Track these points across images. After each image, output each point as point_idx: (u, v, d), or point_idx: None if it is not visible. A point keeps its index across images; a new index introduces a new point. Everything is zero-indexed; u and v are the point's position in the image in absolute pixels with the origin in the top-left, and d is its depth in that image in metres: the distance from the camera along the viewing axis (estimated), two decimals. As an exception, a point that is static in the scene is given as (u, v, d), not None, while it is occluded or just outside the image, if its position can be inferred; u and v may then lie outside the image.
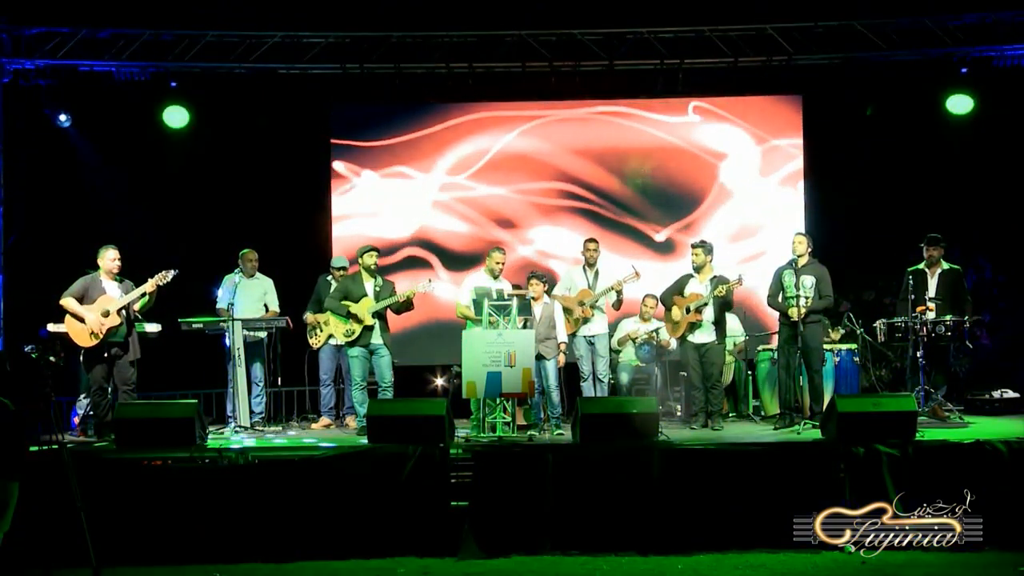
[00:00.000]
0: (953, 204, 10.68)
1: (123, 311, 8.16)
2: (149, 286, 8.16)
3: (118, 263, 8.30)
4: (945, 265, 9.09)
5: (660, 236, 11.36)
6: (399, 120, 11.30)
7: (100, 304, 8.11)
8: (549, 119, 11.35)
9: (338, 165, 11.34)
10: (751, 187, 11.32)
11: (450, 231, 11.33)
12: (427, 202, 11.35)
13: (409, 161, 11.33)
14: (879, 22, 10.03)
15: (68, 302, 8.11)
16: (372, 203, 11.35)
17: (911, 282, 8.86)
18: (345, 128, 11.35)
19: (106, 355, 8.18)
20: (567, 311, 9.01)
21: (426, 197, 11.35)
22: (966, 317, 8.82)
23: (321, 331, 9.43)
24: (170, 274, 8.20)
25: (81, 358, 8.33)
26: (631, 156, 11.32)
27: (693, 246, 9.01)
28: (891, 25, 10.03)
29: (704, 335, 8.83)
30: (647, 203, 11.36)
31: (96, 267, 8.33)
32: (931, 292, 8.96)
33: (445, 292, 10.82)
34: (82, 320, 8.06)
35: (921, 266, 9.11)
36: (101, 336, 8.08)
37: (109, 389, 8.27)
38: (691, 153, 11.31)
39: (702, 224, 11.30)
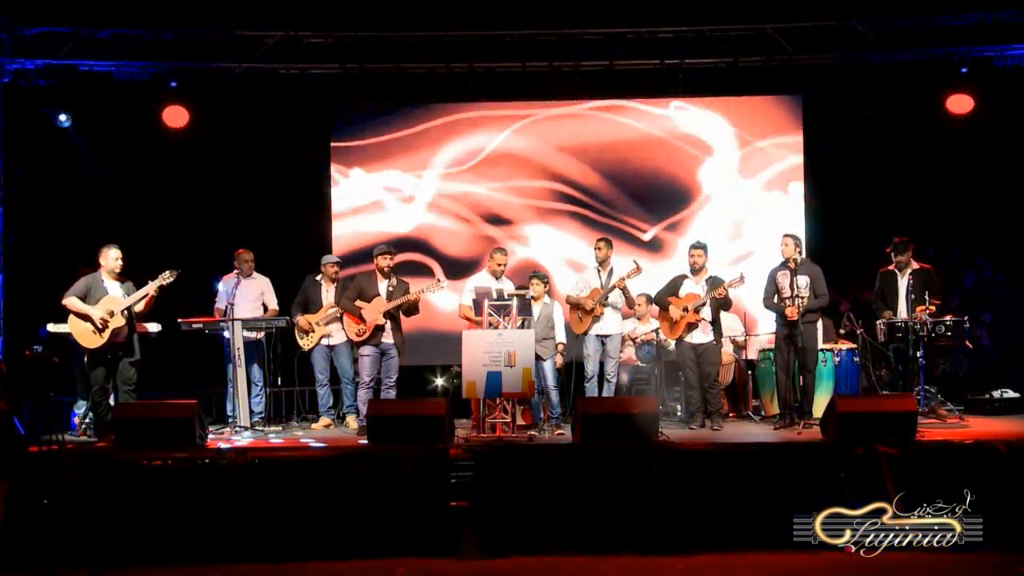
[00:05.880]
0: (953, 204, 10.68)
1: (126, 312, 8.15)
2: (152, 288, 8.15)
3: (120, 263, 8.28)
4: (915, 265, 9.12)
5: (647, 235, 11.28)
6: (399, 120, 11.28)
7: (104, 304, 8.09)
8: (539, 116, 11.31)
9: (337, 165, 11.32)
10: (748, 186, 11.29)
11: (448, 230, 11.32)
12: (426, 201, 11.33)
13: (409, 161, 11.32)
14: (879, 22, 10.01)
15: (72, 301, 8.07)
16: (372, 203, 11.34)
17: (901, 282, 8.90)
18: (345, 128, 11.33)
19: (109, 356, 8.17)
20: (580, 308, 9.00)
21: (425, 196, 11.33)
22: (948, 316, 8.84)
23: (313, 332, 9.43)
24: (172, 275, 8.19)
25: (84, 359, 8.31)
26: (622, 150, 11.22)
27: (694, 247, 8.98)
28: (891, 25, 10.01)
29: (701, 335, 8.83)
30: (637, 200, 11.27)
31: (94, 266, 8.31)
32: (902, 293, 8.98)
33: (445, 293, 10.81)
34: (87, 318, 8.04)
35: (891, 267, 9.14)
36: (106, 338, 8.06)
37: (110, 388, 8.26)
38: (683, 150, 11.24)
39: (691, 222, 11.23)
